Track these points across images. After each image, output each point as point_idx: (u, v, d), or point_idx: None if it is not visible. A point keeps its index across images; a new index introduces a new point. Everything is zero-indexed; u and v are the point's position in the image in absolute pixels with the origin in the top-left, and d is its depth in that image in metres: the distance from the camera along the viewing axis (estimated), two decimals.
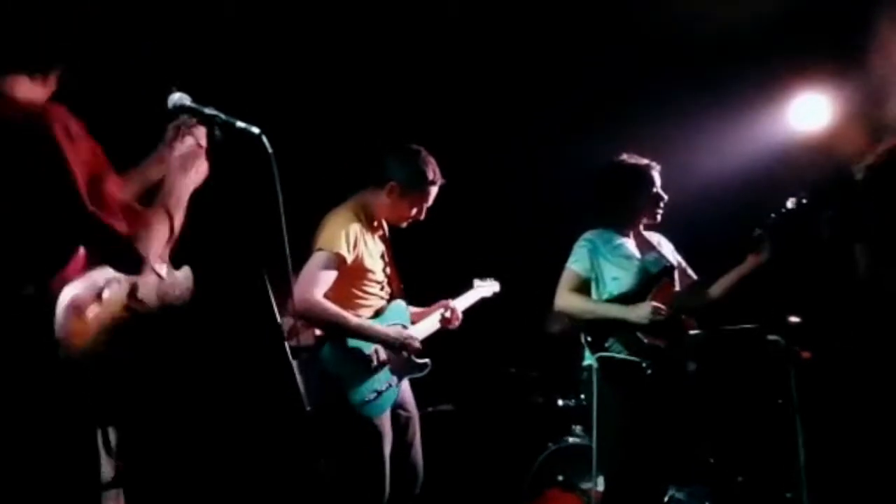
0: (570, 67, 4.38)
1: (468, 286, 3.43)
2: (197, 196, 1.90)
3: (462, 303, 3.29)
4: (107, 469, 1.76)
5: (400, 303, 3.03)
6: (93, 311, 1.63)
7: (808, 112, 4.27)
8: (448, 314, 3.16)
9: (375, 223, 3.00)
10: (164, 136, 1.92)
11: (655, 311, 3.01)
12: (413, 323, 3.06)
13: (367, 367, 2.79)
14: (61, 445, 1.65)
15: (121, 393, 1.76)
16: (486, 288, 3.48)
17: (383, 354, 2.84)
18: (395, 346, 2.86)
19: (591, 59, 4.35)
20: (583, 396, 3.60)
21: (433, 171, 2.98)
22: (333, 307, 2.74)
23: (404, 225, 3.07)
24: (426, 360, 2.98)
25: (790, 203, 3.01)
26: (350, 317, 2.78)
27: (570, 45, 4.29)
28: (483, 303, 3.50)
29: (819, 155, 4.15)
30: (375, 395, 2.76)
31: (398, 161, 2.96)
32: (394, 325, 2.94)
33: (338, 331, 2.77)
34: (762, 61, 4.21)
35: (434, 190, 3.01)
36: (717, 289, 3.20)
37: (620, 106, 4.36)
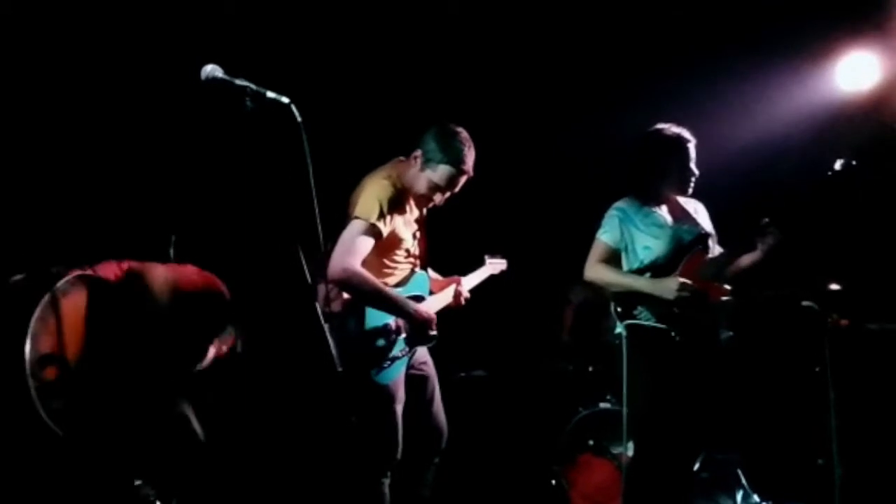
0: (601, 34, 4.30)
1: (480, 262, 3.45)
2: (229, 165, 1.97)
3: (472, 280, 3.34)
4: None
5: (423, 274, 3.07)
6: None
7: (856, 72, 4.15)
8: (459, 289, 3.18)
9: (411, 192, 2.95)
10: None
11: (682, 287, 3.00)
12: (432, 293, 3.11)
13: (387, 337, 2.88)
14: None
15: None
16: (495, 265, 3.50)
17: (403, 325, 2.92)
18: (420, 323, 2.93)
19: (626, 25, 4.27)
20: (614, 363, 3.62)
21: (458, 154, 2.84)
22: (372, 278, 2.79)
23: (424, 210, 3.02)
24: (434, 333, 3.03)
25: (838, 165, 2.95)
26: (387, 290, 2.85)
27: (604, 10, 4.22)
28: (518, 273, 3.51)
29: (867, 115, 4.04)
30: (390, 362, 2.87)
31: (430, 133, 2.90)
32: (414, 296, 3.00)
33: (374, 301, 2.83)
34: (808, 22, 4.08)
35: (459, 178, 2.88)
36: (733, 270, 3.17)
37: (662, 70, 4.28)
